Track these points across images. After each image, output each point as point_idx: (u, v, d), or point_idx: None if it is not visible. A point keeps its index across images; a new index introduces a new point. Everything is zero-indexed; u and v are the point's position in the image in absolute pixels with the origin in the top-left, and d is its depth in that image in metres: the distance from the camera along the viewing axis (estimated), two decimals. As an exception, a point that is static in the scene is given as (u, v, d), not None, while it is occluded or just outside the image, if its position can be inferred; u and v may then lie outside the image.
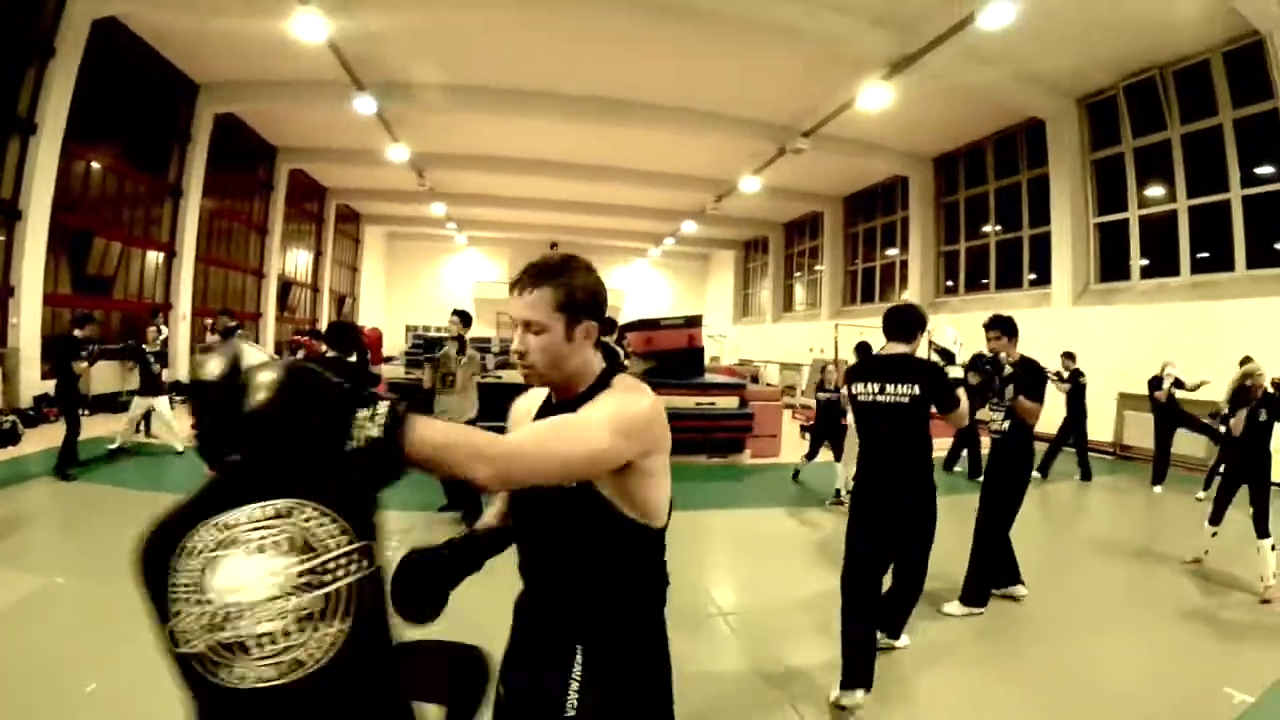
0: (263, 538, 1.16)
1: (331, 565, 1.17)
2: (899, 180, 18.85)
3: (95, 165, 12.65)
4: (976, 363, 4.43)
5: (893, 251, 20.26)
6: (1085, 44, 10.95)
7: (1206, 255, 11.53)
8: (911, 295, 18.09)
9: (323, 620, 1.15)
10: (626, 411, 1.40)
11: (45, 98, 10.27)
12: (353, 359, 5.81)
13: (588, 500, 1.43)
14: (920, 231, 18.03)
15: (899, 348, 3.57)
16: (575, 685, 1.46)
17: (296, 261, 23.26)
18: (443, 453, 1.13)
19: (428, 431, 1.12)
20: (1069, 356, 9.14)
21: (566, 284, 1.49)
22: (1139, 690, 3.63)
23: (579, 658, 1.48)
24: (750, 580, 5.38)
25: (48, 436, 9.11)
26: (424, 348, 10.49)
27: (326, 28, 10.70)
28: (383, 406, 1.10)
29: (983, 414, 4.67)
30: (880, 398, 3.44)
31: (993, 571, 4.59)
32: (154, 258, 14.98)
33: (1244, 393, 5.30)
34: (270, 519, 1.17)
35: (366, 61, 12.91)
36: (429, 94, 14.37)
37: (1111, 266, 13.17)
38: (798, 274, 26.26)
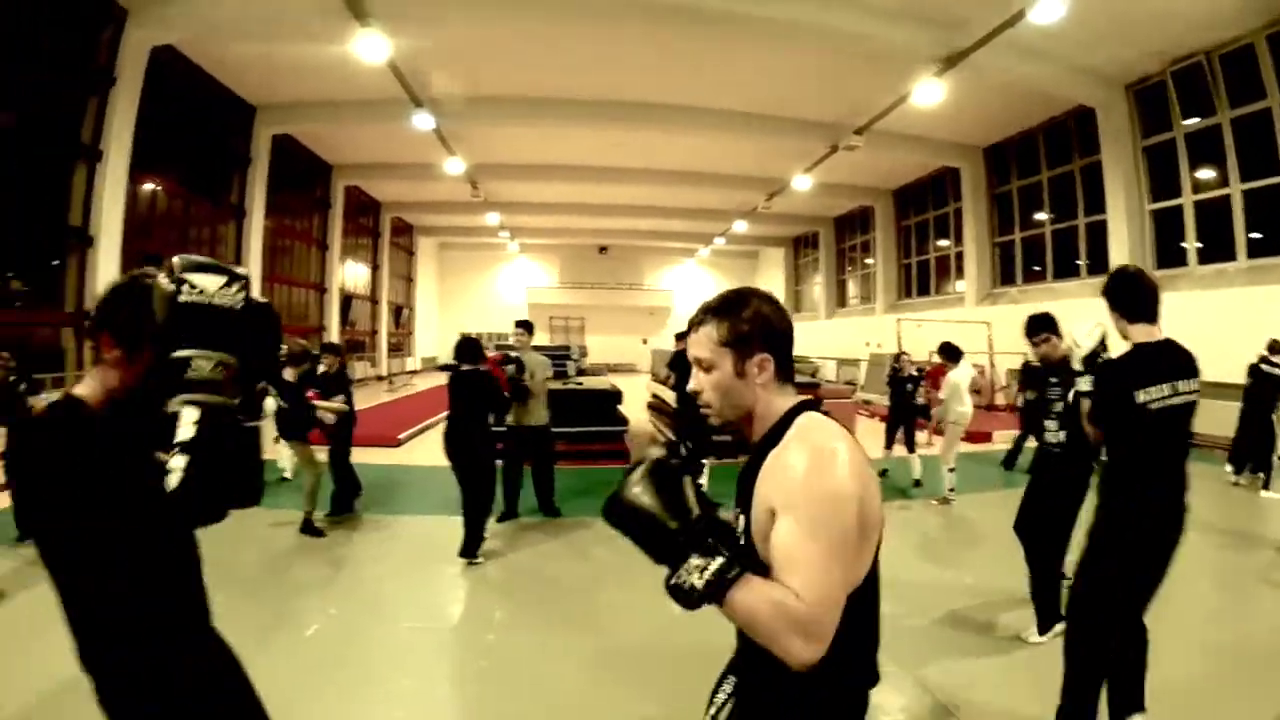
0: None
1: None
2: (949, 172, 18.47)
3: (160, 189, 13.11)
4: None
5: (945, 243, 19.84)
6: (1131, 32, 10.76)
7: (1260, 237, 11.30)
8: (968, 287, 17.65)
9: None
10: (834, 511, 1.24)
11: (109, 125, 10.65)
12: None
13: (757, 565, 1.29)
14: (974, 222, 17.66)
15: (1155, 331, 2.76)
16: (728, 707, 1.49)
17: (356, 275, 23.79)
18: (750, 626, 1.21)
19: (747, 598, 1.19)
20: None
21: (732, 316, 1.40)
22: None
23: (728, 686, 1.50)
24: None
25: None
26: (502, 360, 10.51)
27: (388, 48, 10.87)
28: (715, 563, 1.20)
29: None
30: (1174, 400, 2.69)
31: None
32: (220, 277, 15.42)
33: None
34: None
35: (423, 78, 13.14)
36: (484, 107, 14.64)
37: (1167, 253, 12.88)
38: (850, 269, 25.87)
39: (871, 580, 1.33)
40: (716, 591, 1.19)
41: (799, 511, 1.23)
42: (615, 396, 10.24)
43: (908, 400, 8.38)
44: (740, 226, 25.05)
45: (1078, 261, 15.09)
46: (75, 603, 1.44)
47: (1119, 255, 13.09)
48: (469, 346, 5.76)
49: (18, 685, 3.26)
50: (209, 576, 1.63)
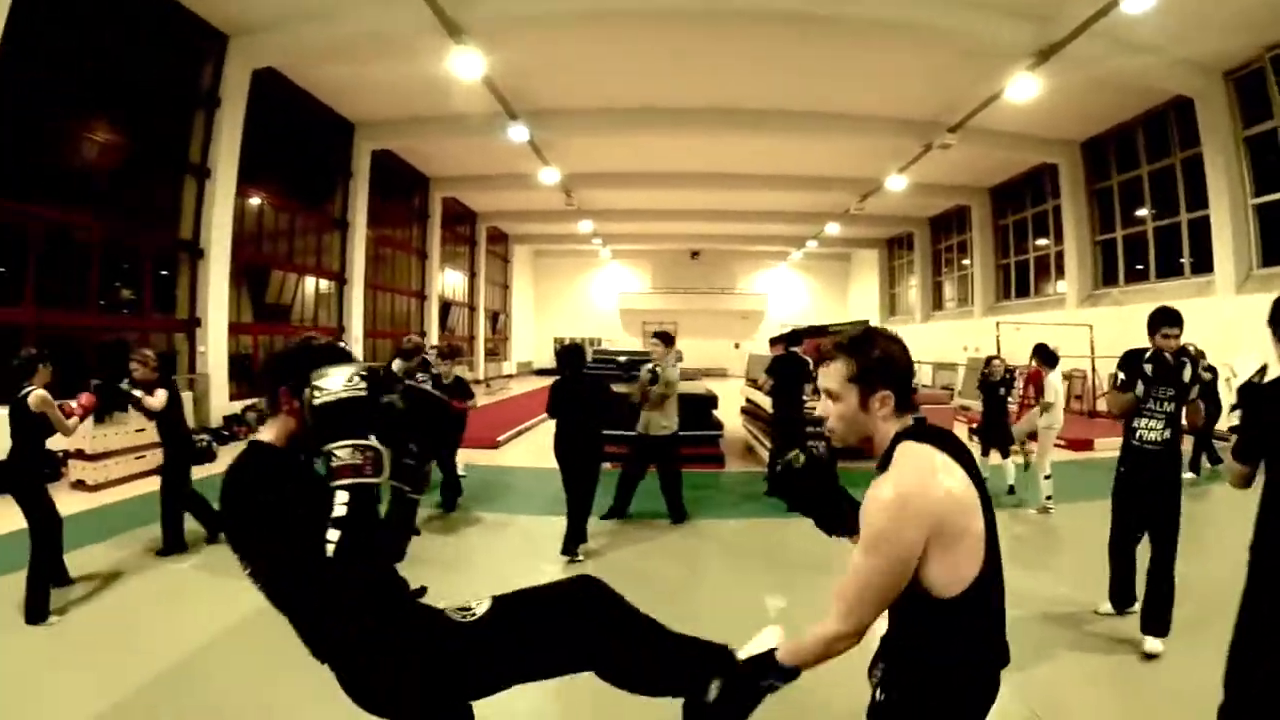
0: None
1: None
2: (1047, 168, 17.53)
3: (267, 203, 13.94)
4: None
5: (1044, 242, 18.82)
6: (1227, 16, 10.07)
7: None
8: (1068, 288, 16.64)
9: None
10: (876, 523, 1.45)
11: (216, 144, 11.46)
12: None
13: None
14: (1073, 220, 16.68)
15: None
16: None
17: (453, 283, 24.61)
18: (810, 660, 1.60)
19: (796, 654, 1.62)
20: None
21: (860, 355, 1.59)
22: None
23: (878, 672, 1.64)
24: None
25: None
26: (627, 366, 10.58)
27: (483, 63, 11.19)
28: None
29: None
30: None
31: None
32: (326, 285, 16.28)
33: None
34: None
35: (517, 91, 13.43)
36: (576, 118, 14.95)
37: (1274, 250, 11.84)
38: (946, 270, 24.83)
39: (988, 574, 1.47)
40: (778, 679, 1.66)
41: (860, 543, 1.49)
42: (710, 401, 10.07)
43: (1000, 404, 7.95)
44: (833, 229, 24.44)
45: (1181, 260, 14.05)
46: (299, 609, 1.68)
47: (1222, 253, 12.26)
48: (570, 354, 5.82)
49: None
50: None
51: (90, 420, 8.60)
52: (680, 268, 33.48)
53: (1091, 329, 14.73)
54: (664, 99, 14.28)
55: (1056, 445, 8.00)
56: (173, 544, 5.39)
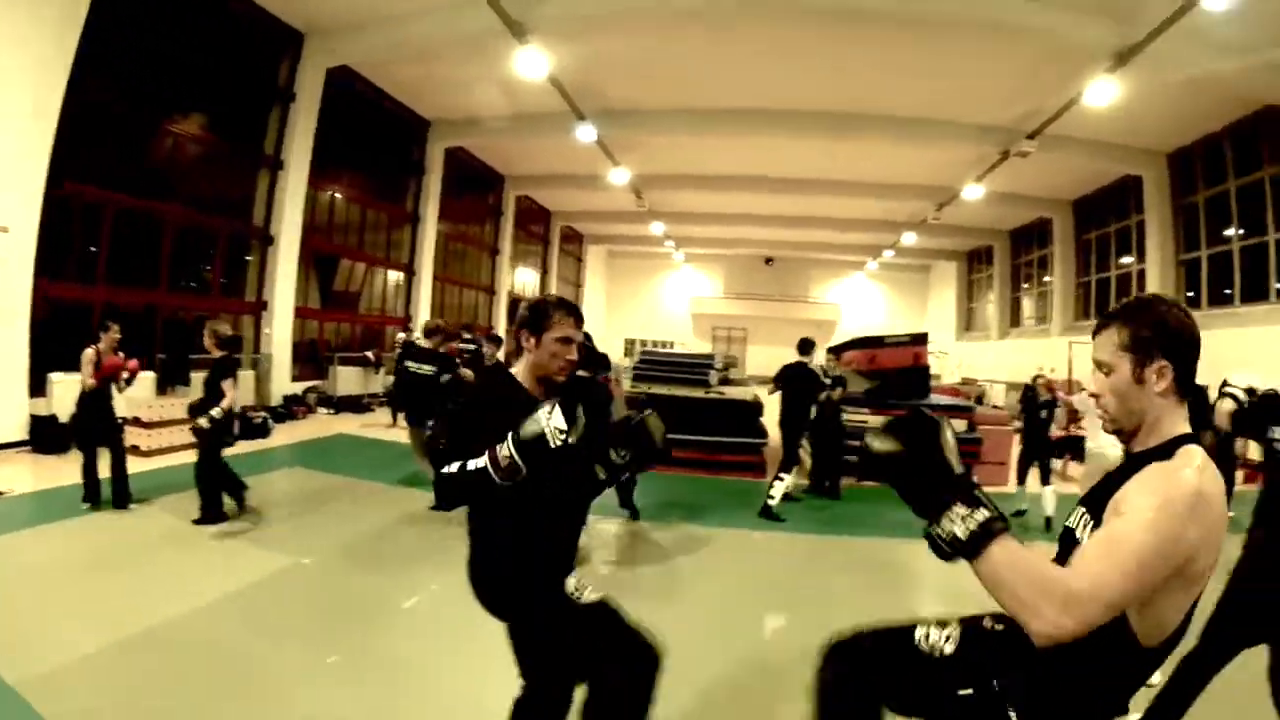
0: None
1: None
2: (1131, 181, 16.37)
3: (339, 196, 14.63)
4: None
5: (1127, 260, 17.67)
6: None
7: None
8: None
9: None
10: (1164, 528, 1.25)
11: (290, 138, 12.15)
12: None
13: None
14: (1158, 236, 15.58)
15: None
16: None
17: (525, 279, 25.15)
18: (1006, 584, 1.20)
19: (1005, 556, 1.20)
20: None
21: (1135, 320, 1.45)
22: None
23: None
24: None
25: (295, 432, 10.65)
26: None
27: (547, 63, 11.43)
28: (980, 514, 1.23)
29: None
30: None
31: None
32: (395, 277, 16.94)
33: None
34: None
35: (585, 91, 13.65)
36: (646, 119, 15.02)
37: None
38: (1025, 286, 23.68)
39: (1178, 634, 1.36)
40: (978, 543, 1.21)
41: (1128, 520, 1.26)
42: (756, 408, 9.99)
43: (1042, 427, 7.57)
44: (909, 238, 23.68)
45: (1268, 283, 12.92)
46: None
47: None
48: (596, 355, 5.97)
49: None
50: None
51: (153, 390, 9.31)
52: (753, 273, 33.12)
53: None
54: (735, 100, 14.13)
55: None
56: (209, 513, 5.59)
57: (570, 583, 2.14)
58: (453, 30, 11.29)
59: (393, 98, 14.99)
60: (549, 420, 1.80)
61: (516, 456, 1.79)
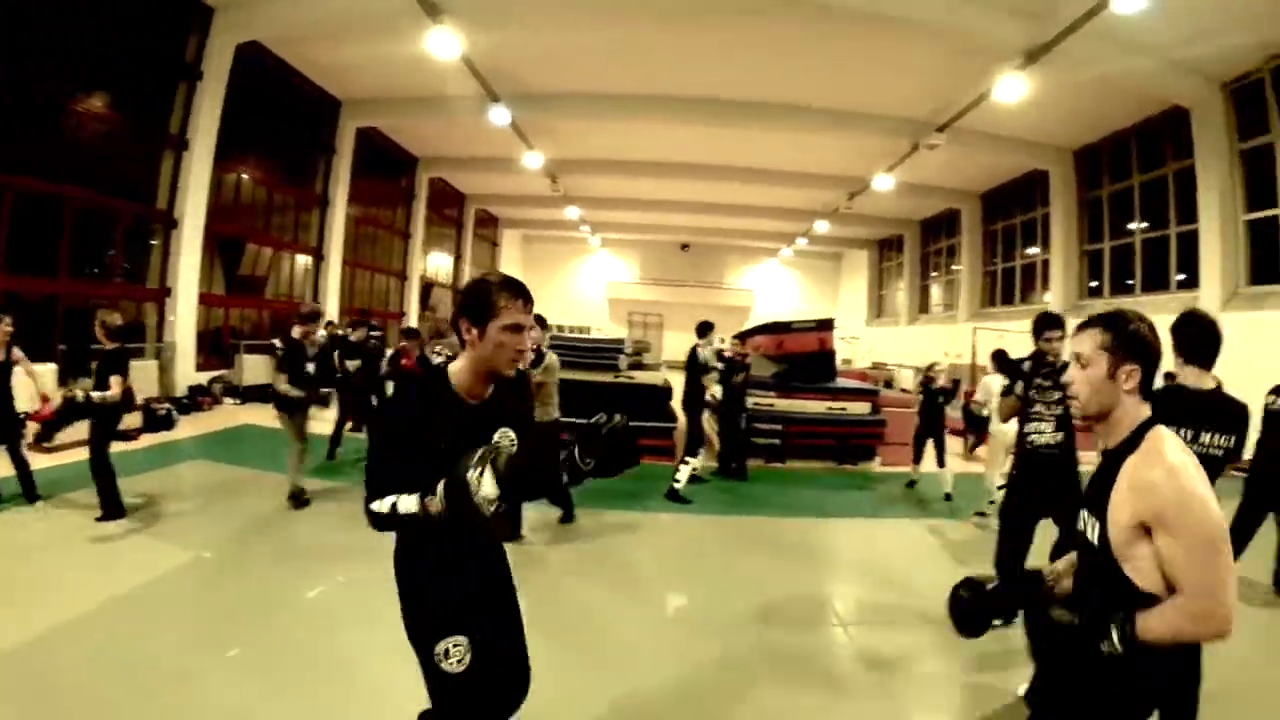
0: None
1: None
2: (1039, 175, 17.45)
3: (246, 177, 13.97)
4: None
5: (1033, 250, 18.80)
6: (1227, 24, 9.80)
7: None
8: (1053, 297, 16.69)
9: None
10: (1203, 517, 1.50)
11: (196, 116, 11.48)
12: None
13: (1113, 579, 1.63)
14: (1062, 229, 16.63)
15: (1206, 379, 2.82)
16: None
17: (438, 264, 24.64)
18: (1167, 636, 1.52)
19: (1154, 627, 1.53)
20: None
21: (1116, 327, 1.70)
22: None
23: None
24: (872, 592, 5.07)
25: (200, 423, 10.19)
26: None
27: (460, 44, 11.18)
28: (1115, 630, 1.56)
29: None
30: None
31: None
32: (303, 261, 16.33)
33: None
34: None
35: (500, 74, 13.46)
36: (561, 103, 14.88)
37: (1264, 268, 11.68)
38: (934, 274, 24.86)
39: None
40: (1133, 642, 1.54)
41: (1178, 529, 1.50)
42: (666, 392, 10.16)
43: (938, 411, 8.09)
44: (822, 227, 24.48)
45: (1168, 274, 13.99)
46: None
47: (1210, 268, 12.13)
48: None
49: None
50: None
51: (54, 382, 8.76)
52: (669, 259, 33.49)
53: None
54: (651, 87, 14.19)
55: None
56: (110, 509, 5.43)
57: (441, 647, 1.96)
58: (366, 6, 10.97)
59: (304, 75, 14.38)
60: (479, 487, 1.68)
61: (447, 514, 1.73)
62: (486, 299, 1.92)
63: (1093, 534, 1.67)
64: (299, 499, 6.16)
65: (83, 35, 9.65)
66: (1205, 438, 2.68)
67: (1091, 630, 1.61)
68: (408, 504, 1.78)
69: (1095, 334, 1.70)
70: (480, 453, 1.74)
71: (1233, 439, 2.70)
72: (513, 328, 1.92)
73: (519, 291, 1.95)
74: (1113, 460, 1.64)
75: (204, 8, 11.19)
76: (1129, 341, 1.67)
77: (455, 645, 1.95)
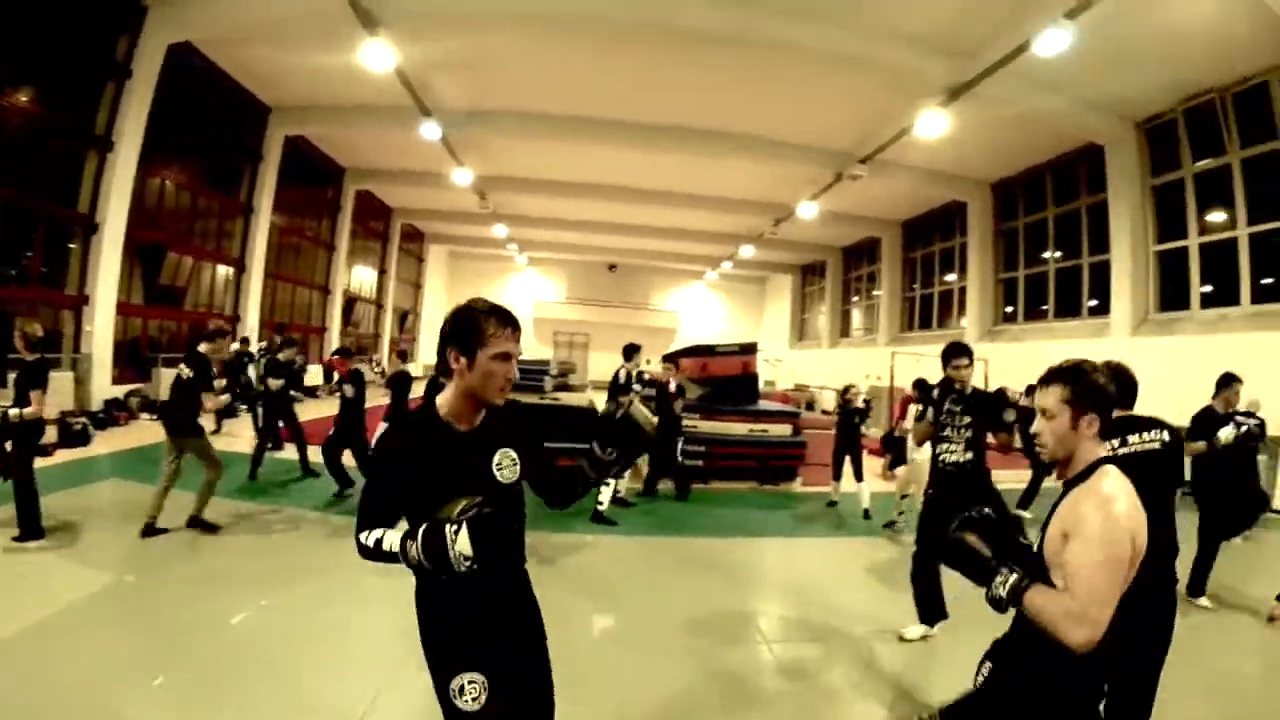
0: None
1: None
2: (958, 206, 18.35)
3: (169, 182, 13.36)
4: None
5: (951, 278, 19.72)
6: (1143, 67, 10.55)
7: (1271, 282, 10.95)
8: (970, 323, 17.60)
9: None
10: (1111, 539, 1.69)
11: (122, 117, 10.93)
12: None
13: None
14: (979, 258, 17.55)
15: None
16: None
17: (362, 278, 24.02)
18: (1042, 615, 1.70)
19: (1036, 599, 1.72)
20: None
21: (1076, 382, 1.88)
22: None
23: (985, 669, 2.00)
24: (794, 609, 5.13)
25: (116, 439, 9.62)
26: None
27: (394, 57, 11.08)
28: (1012, 578, 1.77)
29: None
30: None
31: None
32: (224, 272, 15.68)
33: None
34: None
35: (432, 88, 13.39)
36: (492, 120, 14.84)
37: (1171, 296, 12.58)
38: (855, 299, 25.82)
39: (1126, 598, 1.73)
40: (1015, 597, 1.75)
41: (1086, 539, 1.69)
42: (592, 414, 10.21)
43: (855, 430, 8.41)
44: (747, 251, 25.10)
45: (1081, 301, 14.90)
46: None
47: (1121, 296, 12.95)
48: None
49: None
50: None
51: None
52: (596, 279, 33.63)
53: (987, 363, 15.34)
54: (582, 109, 14.36)
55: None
56: (28, 530, 5.12)
57: (456, 684, 1.91)
58: (302, 13, 10.75)
59: (234, 79, 13.88)
60: (454, 545, 1.66)
61: (425, 565, 1.71)
62: (475, 327, 1.89)
63: (1035, 543, 1.90)
64: (207, 525, 5.80)
65: (9, 26, 9.13)
66: (1133, 438, 3.07)
67: (994, 565, 1.83)
68: (392, 540, 1.77)
69: (1057, 390, 1.88)
70: (462, 505, 1.72)
71: (1164, 431, 3.08)
72: (502, 356, 1.90)
73: (507, 319, 1.93)
74: (1067, 489, 1.85)
75: (138, 6, 10.71)
76: (1088, 394, 1.85)
77: (470, 682, 1.90)
